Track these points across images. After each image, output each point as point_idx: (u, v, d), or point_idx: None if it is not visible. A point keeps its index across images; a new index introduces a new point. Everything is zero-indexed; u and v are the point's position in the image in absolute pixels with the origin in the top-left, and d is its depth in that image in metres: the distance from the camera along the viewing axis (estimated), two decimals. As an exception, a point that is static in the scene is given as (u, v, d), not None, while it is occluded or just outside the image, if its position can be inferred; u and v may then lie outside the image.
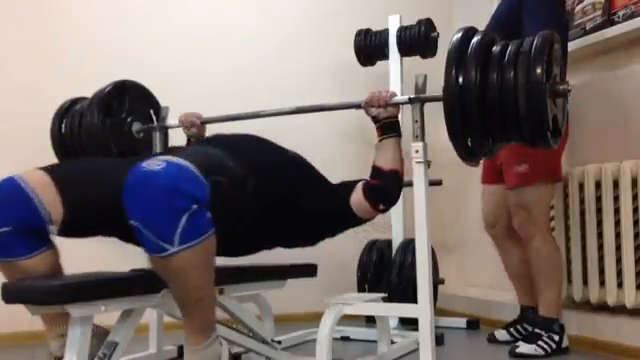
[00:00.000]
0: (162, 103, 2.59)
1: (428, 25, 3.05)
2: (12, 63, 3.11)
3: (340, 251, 3.01)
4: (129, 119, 2.49)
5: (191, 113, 2.41)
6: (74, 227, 1.57)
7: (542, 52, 1.76)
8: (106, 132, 2.40)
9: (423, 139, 2.00)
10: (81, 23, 3.23)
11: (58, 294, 1.35)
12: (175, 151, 1.80)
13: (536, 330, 2.42)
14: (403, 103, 2.08)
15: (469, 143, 1.89)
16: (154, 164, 1.36)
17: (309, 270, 2.09)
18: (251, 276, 1.92)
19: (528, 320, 2.59)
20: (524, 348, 2.36)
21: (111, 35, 3.24)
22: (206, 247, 1.40)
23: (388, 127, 2.07)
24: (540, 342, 2.37)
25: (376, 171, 2.02)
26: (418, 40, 3.04)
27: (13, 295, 1.45)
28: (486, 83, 1.79)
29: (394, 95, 2.10)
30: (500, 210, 2.64)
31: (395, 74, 3.08)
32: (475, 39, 1.83)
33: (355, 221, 2.02)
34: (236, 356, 2.34)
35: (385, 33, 3.13)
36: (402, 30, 3.08)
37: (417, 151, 1.99)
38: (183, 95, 2.80)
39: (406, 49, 3.07)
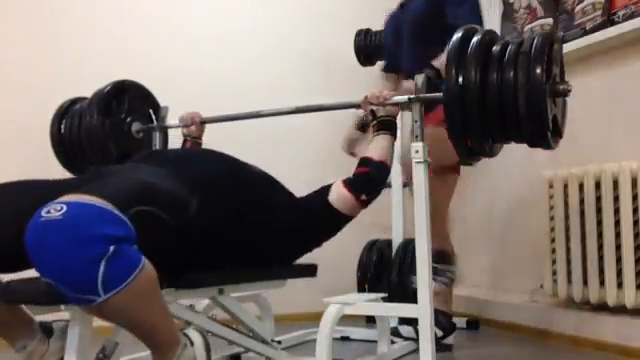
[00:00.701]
0: (162, 103, 2.58)
1: (428, 25, 3.04)
2: (13, 63, 3.11)
3: (340, 251, 3.00)
4: (129, 119, 2.49)
5: (192, 112, 2.40)
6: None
7: (542, 52, 1.75)
8: (105, 132, 2.40)
9: (423, 139, 2.00)
10: (82, 23, 3.23)
11: (58, 294, 1.35)
12: (108, 175, 1.59)
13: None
14: (403, 103, 2.08)
15: (469, 143, 1.88)
16: (54, 209, 1.19)
17: (309, 270, 2.08)
18: (251, 276, 1.91)
19: None
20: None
21: (111, 35, 3.24)
22: (139, 283, 1.25)
23: (385, 125, 2.04)
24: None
25: (365, 160, 1.95)
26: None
27: (13, 295, 1.45)
28: (486, 83, 1.79)
29: (394, 95, 2.09)
30: None
31: (395, 74, 3.08)
32: (475, 39, 1.83)
33: (336, 221, 1.90)
34: (236, 356, 2.34)
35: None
36: (402, 30, 3.07)
37: (417, 151, 1.99)
38: (183, 95, 2.79)
39: (406, 49, 3.07)
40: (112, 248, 1.20)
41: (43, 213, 1.20)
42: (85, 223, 1.19)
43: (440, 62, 2.24)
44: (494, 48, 1.84)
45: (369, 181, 1.92)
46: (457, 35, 1.86)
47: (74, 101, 2.62)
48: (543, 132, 1.78)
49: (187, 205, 1.55)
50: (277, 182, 1.93)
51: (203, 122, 2.40)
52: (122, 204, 1.29)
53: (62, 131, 2.58)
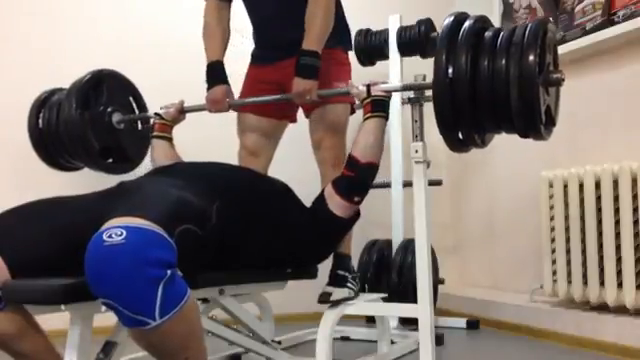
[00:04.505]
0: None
1: (428, 25, 3.05)
2: (10, 60, 3.11)
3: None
4: (109, 109, 2.40)
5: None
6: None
7: (535, 40, 1.68)
8: (85, 123, 2.31)
9: (423, 139, 2.00)
10: (80, 22, 3.23)
11: (58, 294, 1.35)
12: (136, 190, 1.61)
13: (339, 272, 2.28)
14: (395, 90, 2.04)
15: (460, 135, 1.80)
16: (115, 234, 1.24)
17: (309, 272, 2.08)
18: (251, 276, 1.92)
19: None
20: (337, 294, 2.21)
21: (110, 32, 3.24)
22: (187, 310, 1.30)
23: (378, 104, 1.97)
24: (348, 284, 2.25)
25: (352, 162, 1.93)
26: (418, 40, 3.04)
27: (13, 295, 1.45)
28: (477, 72, 1.71)
29: (382, 82, 2.04)
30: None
31: (395, 74, 3.08)
32: (466, 24, 1.76)
33: (345, 224, 1.94)
34: (236, 356, 2.34)
35: (385, 33, 3.13)
36: (402, 30, 3.08)
37: (417, 151, 1.98)
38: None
39: (406, 49, 3.07)
40: (169, 272, 1.25)
41: (105, 237, 1.24)
42: (146, 247, 1.25)
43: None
44: (486, 34, 1.76)
45: (357, 185, 1.92)
46: (448, 21, 1.78)
47: (52, 92, 2.54)
48: (536, 123, 1.71)
49: (210, 215, 1.59)
50: (291, 191, 1.96)
51: (184, 111, 2.30)
52: (169, 226, 1.34)
53: (40, 124, 2.50)
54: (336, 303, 2.14)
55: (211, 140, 2.86)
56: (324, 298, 2.15)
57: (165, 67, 3.20)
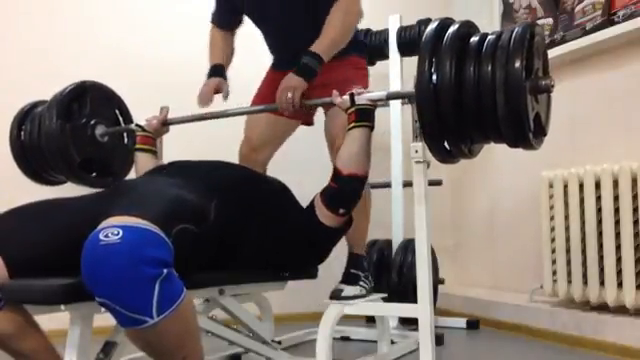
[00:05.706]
0: (157, 99, 2.53)
1: (428, 25, 3.04)
2: (9, 59, 3.10)
3: (340, 251, 3.00)
4: (92, 122, 2.35)
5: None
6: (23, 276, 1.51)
7: (521, 45, 1.62)
8: (66, 136, 2.26)
9: (423, 139, 1.99)
10: (78, 22, 3.23)
11: (58, 294, 1.35)
12: (133, 189, 1.62)
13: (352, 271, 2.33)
14: (380, 99, 2.03)
15: (446, 145, 1.75)
16: (111, 233, 1.24)
17: (309, 272, 2.08)
18: (251, 277, 1.92)
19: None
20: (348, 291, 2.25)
21: (108, 33, 3.24)
22: (184, 309, 1.30)
23: (362, 113, 1.91)
24: (361, 282, 2.29)
25: (335, 174, 1.89)
26: (418, 40, 3.03)
27: (13, 295, 1.45)
28: (462, 79, 1.66)
29: (365, 91, 1.98)
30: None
31: (395, 74, 3.08)
32: (450, 30, 1.71)
33: (335, 232, 1.91)
34: (236, 356, 2.34)
35: (385, 33, 3.14)
36: (402, 30, 3.08)
37: (417, 151, 1.97)
38: (180, 97, 2.78)
39: (406, 49, 3.07)
40: (165, 271, 1.25)
41: (101, 237, 1.24)
42: (143, 246, 1.25)
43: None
44: (471, 40, 1.71)
45: (341, 198, 1.87)
46: (431, 26, 1.75)
47: (35, 104, 2.49)
48: (524, 131, 1.64)
49: (208, 214, 1.60)
50: (288, 190, 1.96)
51: (167, 123, 2.23)
52: (166, 225, 1.34)
53: (22, 136, 2.45)
54: (346, 299, 2.17)
55: (211, 140, 2.86)
56: (336, 294, 2.20)
57: (164, 69, 3.20)
